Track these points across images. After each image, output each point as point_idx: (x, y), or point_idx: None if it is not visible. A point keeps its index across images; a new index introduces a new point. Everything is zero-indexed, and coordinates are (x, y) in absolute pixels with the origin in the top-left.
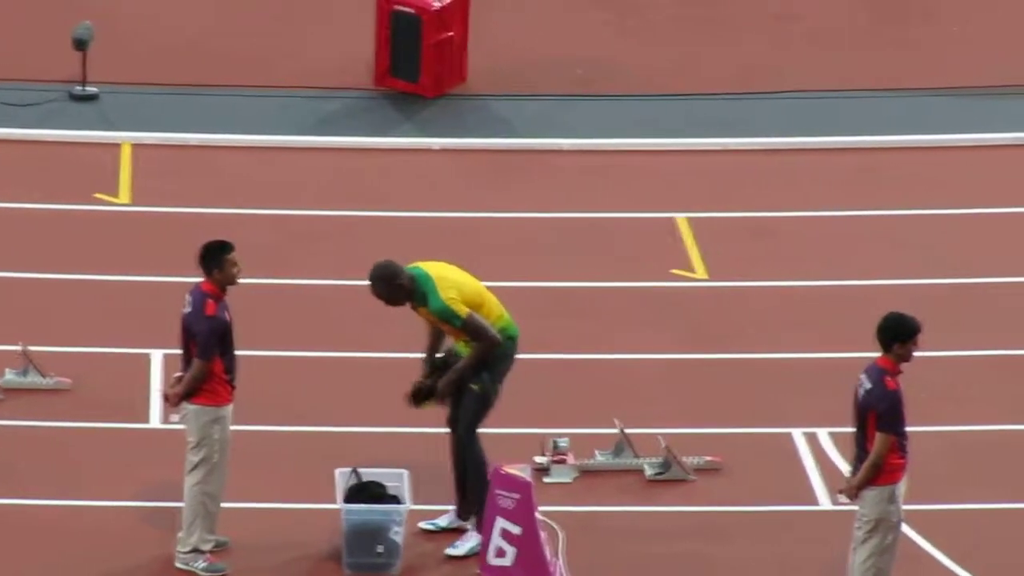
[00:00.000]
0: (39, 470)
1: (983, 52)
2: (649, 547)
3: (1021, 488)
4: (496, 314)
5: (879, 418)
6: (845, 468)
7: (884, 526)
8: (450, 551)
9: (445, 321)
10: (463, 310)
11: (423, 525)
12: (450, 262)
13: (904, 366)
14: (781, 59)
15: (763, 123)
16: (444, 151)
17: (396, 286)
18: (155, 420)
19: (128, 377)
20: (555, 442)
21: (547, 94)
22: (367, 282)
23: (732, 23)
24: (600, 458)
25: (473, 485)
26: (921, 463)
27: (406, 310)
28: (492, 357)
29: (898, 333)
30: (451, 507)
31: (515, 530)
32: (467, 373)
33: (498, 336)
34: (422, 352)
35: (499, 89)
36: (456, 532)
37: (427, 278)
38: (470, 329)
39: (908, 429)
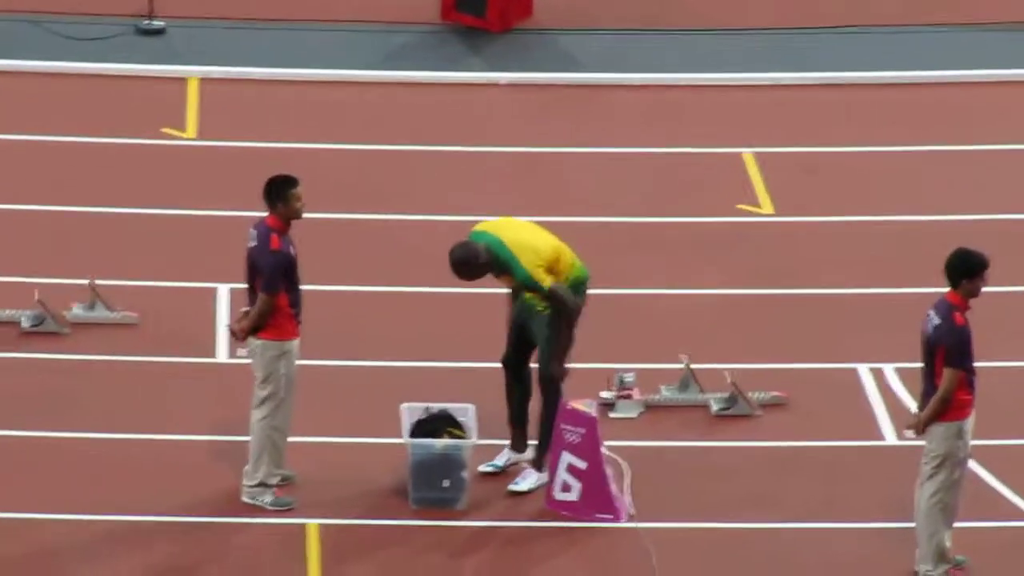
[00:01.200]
0: (106, 404)
1: None
2: (715, 483)
3: None
4: (569, 262)
5: (947, 353)
6: (911, 404)
7: (951, 461)
8: (513, 487)
9: (530, 289)
10: (546, 279)
11: (483, 468)
12: (516, 201)
13: (972, 302)
14: None
15: (825, 58)
16: (510, 86)
17: (476, 266)
18: (222, 355)
19: (195, 311)
20: (621, 377)
21: (613, 28)
22: (449, 265)
23: None
24: (666, 393)
25: (546, 421)
26: (989, 399)
27: None
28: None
29: (966, 269)
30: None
31: (581, 465)
32: (559, 346)
33: (578, 304)
34: (499, 284)
35: (565, 23)
36: (517, 469)
37: (502, 246)
38: (554, 298)
39: (976, 365)
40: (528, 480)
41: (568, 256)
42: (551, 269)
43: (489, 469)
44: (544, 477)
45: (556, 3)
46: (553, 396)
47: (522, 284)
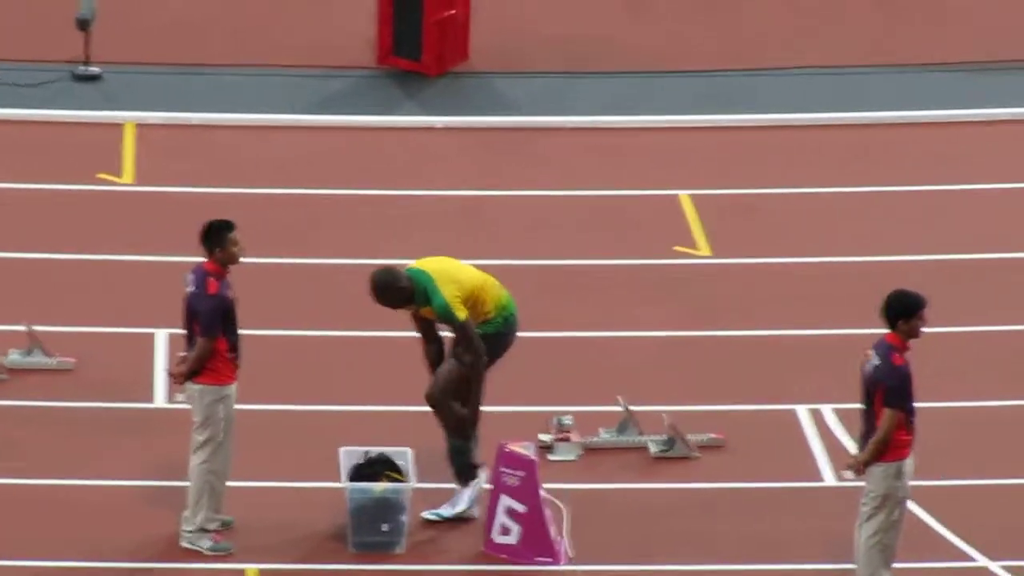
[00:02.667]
0: (44, 449)
1: (981, 27)
2: (654, 524)
3: None
4: (495, 295)
5: (887, 394)
6: (850, 444)
7: (891, 502)
8: (426, 514)
9: (445, 320)
10: (462, 312)
11: (426, 515)
12: (452, 243)
13: (912, 342)
14: (780, 36)
15: (764, 100)
16: (447, 129)
17: (397, 290)
18: (160, 399)
19: (132, 356)
20: (559, 420)
21: (549, 71)
22: (370, 288)
23: (733, 1)
24: (604, 435)
25: (451, 438)
26: (927, 439)
27: None
28: (491, 336)
29: (902, 310)
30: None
31: (520, 508)
32: (474, 401)
33: (483, 350)
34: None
35: (502, 67)
36: (465, 520)
37: (425, 276)
38: (463, 335)
39: (916, 405)
40: (457, 503)
41: (494, 289)
42: (470, 304)
43: (432, 517)
44: (469, 493)
45: (492, 47)
46: (448, 417)
47: (438, 314)
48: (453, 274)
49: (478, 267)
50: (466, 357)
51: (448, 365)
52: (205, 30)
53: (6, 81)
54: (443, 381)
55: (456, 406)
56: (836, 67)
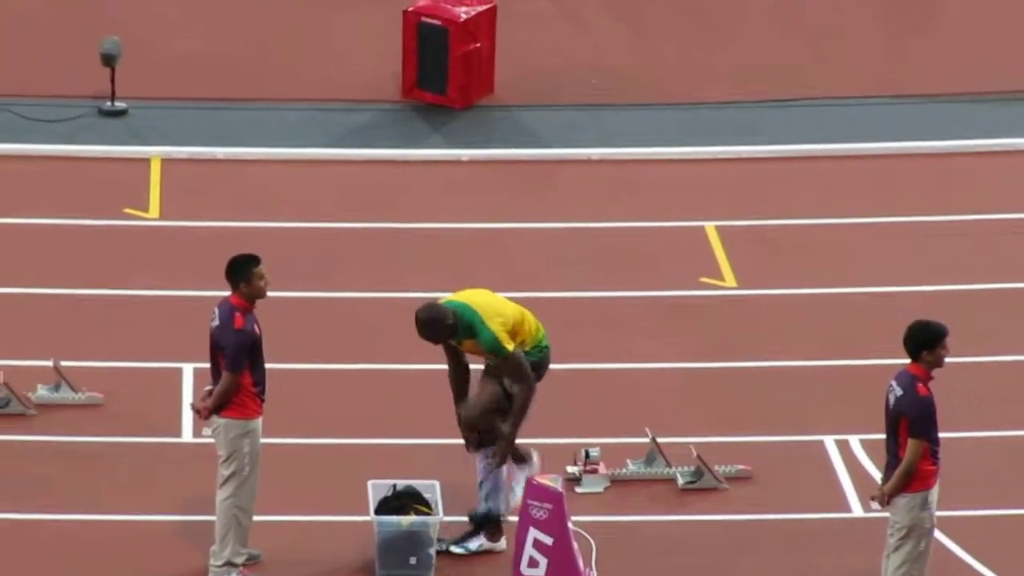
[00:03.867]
0: (72, 485)
1: (989, 58)
2: (682, 557)
3: None
4: (531, 328)
5: (911, 424)
6: (877, 475)
7: (917, 532)
8: (455, 549)
9: (492, 353)
10: (510, 344)
11: (455, 549)
12: (478, 276)
13: (936, 372)
14: (792, 66)
15: (782, 130)
16: (472, 162)
17: (444, 326)
18: (186, 434)
19: (159, 391)
20: (587, 452)
21: (574, 104)
22: (415, 323)
23: (749, 33)
24: (632, 467)
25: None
26: (953, 469)
27: None
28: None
29: (925, 340)
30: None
31: (547, 540)
32: (516, 427)
33: (534, 379)
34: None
35: (527, 99)
36: (492, 553)
37: (470, 310)
38: (512, 365)
39: (940, 435)
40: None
41: (532, 322)
42: (514, 334)
43: (460, 551)
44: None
45: (517, 79)
46: (491, 433)
47: (486, 348)
48: (497, 308)
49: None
50: (517, 387)
51: (489, 388)
52: (230, 65)
53: (33, 116)
54: (485, 402)
55: (498, 424)
56: (847, 97)
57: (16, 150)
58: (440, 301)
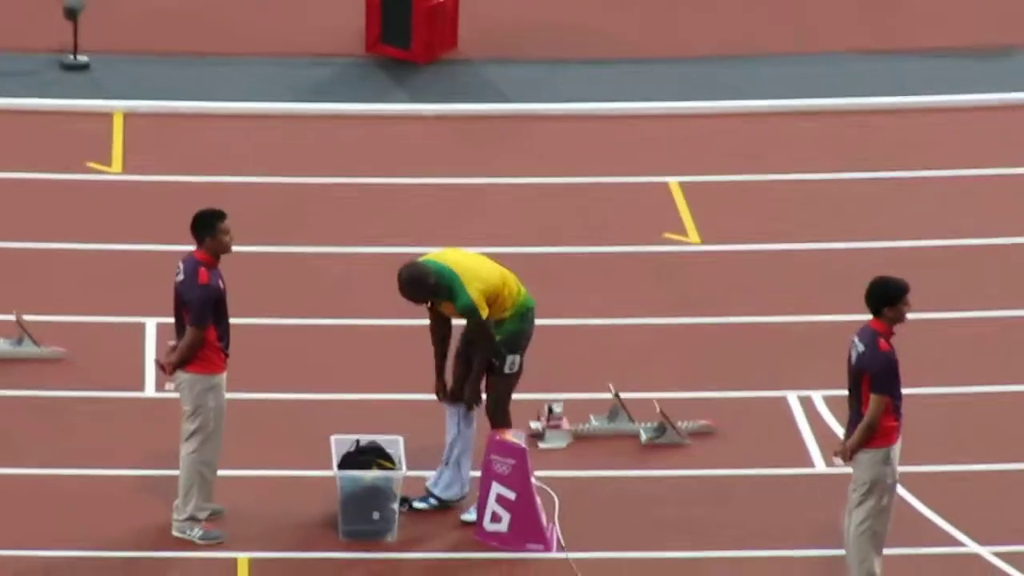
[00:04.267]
0: (35, 439)
1: (966, 13)
2: (644, 512)
3: (1015, 449)
4: (513, 291)
5: (873, 380)
6: (840, 431)
7: (879, 488)
8: (465, 517)
9: (467, 317)
10: (484, 311)
11: (464, 517)
12: (441, 231)
13: (897, 327)
14: (764, 23)
15: (749, 86)
16: (436, 117)
17: (426, 287)
18: (150, 389)
19: (122, 346)
20: (550, 407)
21: (538, 59)
22: (397, 282)
23: None
24: (595, 423)
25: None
26: (914, 425)
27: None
28: (512, 334)
29: (886, 297)
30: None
31: (510, 495)
32: (478, 378)
33: (495, 347)
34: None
35: (490, 55)
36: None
37: (451, 273)
38: (482, 331)
39: (902, 391)
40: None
41: (513, 284)
42: (493, 299)
43: (470, 519)
44: None
45: (481, 34)
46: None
47: (461, 311)
48: (478, 271)
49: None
50: (478, 346)
51: (493, 380)
52: (193, 19)
53: None
54: (497, 393)
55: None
56: (814, 53)
57: None
58: (422, 259)
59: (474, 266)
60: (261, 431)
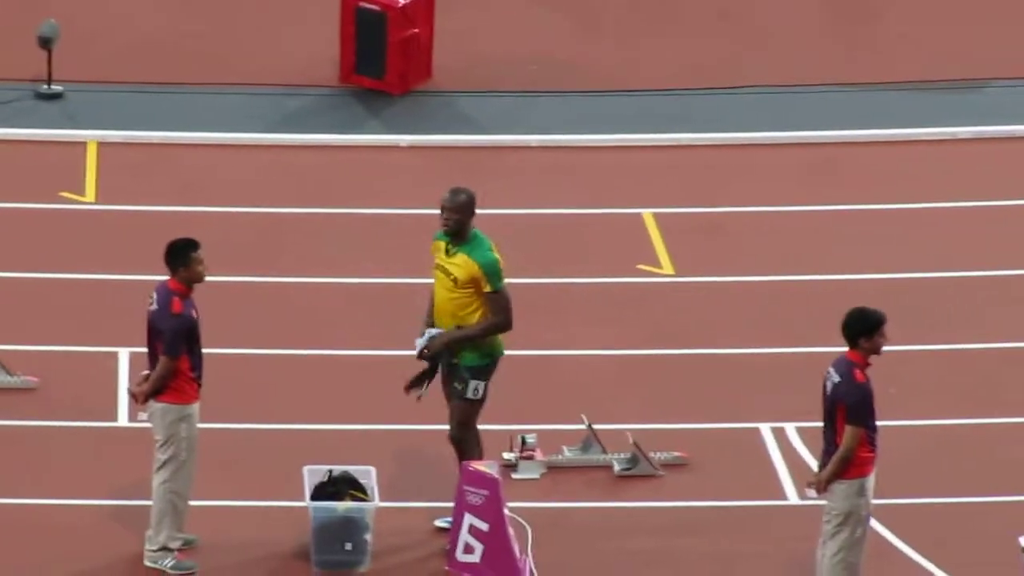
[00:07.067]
0: (6, 469)
1: (934, 47)
2: (617, 543)
3: (988, 482)
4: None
5: (848, 411)
6: (813, 463)
7: (853, 519)
8: (439, 523)
9: (486, 275)
10: (503, 279)
11: (438, 523)
12: (416, 261)
13: (873, 359)
14: (734, 55)
15: (722, 118)
16: (410, 148)
17: (468, 213)
18: (122, 418)
19: (95, 375)
20: (523, 438)
21: (512, 91)
22: (452, 190)
23: (689, 21)
24: (568, 454)
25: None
26: (889, 457)
27: (378, 299)
28: (480, 362)
29: (863, 327)
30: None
31: (483, 526)
32: (468, 340)
33: (512, 321)
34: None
35: (465, 86)
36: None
37: (485, 237)
38: (501, 300)
39: (877, 423)
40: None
41: None
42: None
43: (444, 524)
44: None
45: (455, 66)
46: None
47: (486, 268)
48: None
49: None
50: (495, 317)
51: (455, 408)
52: (168, 49)
53: None
54: (459, 417)
55: (476, 441)
56: (786, 86)
57: None
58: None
59: None
60: (234, 461)
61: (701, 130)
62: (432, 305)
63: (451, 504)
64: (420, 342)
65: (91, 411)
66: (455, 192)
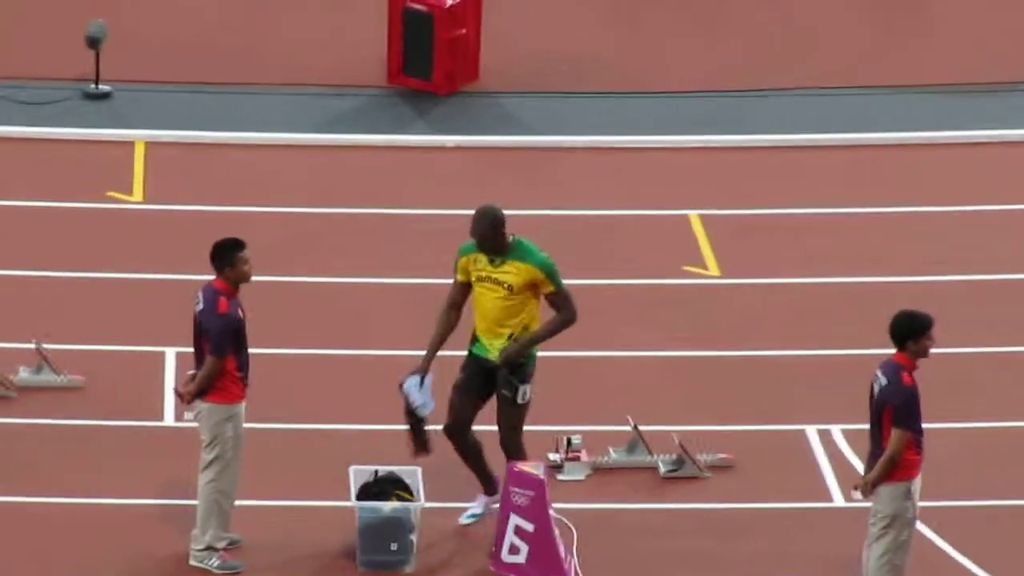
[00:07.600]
0: (53, 468)
1: (980, 48)
2: (662, 544)
3: None
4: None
5: (895, 413)
6: (859, 465)
7: (899, 522)
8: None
9: (547, 276)
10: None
11: (464, 520)
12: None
13: (921, 361)
14: (777, 56)
15: (770, 119)
16: (457, 148)
17: (499, 231)
18: (169, 418)
19: (142, 375)
20: (569, 439)
21: (559, 91)
22: (475, 217)
23: (735, 22)
24: (613, 455)
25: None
26: (936, 460)
27: (428, 299)
28: (529, 359)
29: (910, 330)
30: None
31: (529, 527)
32: (538, 342)
33: (576, 316)
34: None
35: (511, 86)
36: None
37: (525, 240)
38: (565, 295)
39: (924, 425)
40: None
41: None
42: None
43: (470, 520)
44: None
45: (502, 66)
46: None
47: (545, 270)
48: None
49: None
50: (563, 314)
51: (506, 414)
52: (215, 48)
53: (17, 99)
54: (512, 422)
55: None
56: (832, 87)
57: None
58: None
59: None
60: (279, 461)
61: (747, 132)
62: (437, 339)
63: (474, 502)
64: (414, 392)
65: (137, 411)
66: (478, 220)
